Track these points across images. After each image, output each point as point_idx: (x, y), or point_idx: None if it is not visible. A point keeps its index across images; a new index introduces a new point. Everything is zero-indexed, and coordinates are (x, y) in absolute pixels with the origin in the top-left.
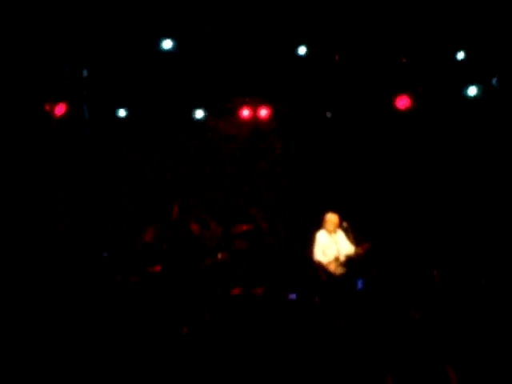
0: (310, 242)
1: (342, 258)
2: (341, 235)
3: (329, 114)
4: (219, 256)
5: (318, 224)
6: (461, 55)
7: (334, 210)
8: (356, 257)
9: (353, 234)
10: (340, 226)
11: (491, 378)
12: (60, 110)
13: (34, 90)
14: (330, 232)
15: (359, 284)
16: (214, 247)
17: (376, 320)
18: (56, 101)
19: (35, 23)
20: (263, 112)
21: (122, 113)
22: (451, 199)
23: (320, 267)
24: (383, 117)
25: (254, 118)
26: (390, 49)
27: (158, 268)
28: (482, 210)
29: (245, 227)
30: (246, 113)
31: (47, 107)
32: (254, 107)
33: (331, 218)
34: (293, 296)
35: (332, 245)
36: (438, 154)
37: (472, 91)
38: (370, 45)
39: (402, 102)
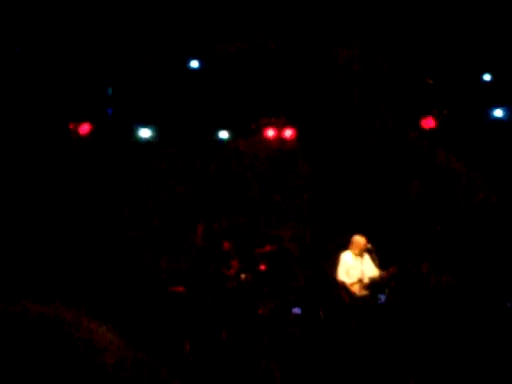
0: (335, 264)
1: (366, 281)
2: (366, 258)
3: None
4: (242, 277)
5: (345, 246)
6: (487, 77)
7: (361, 233)
8: (380, 280)
9: (378, 257)
10: (366, 248)
11: None
12: (84, 129)
13: (58, 109)
14: (356, 254)
15: (382, 298)
16: (237, 269)
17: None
18: (80, 120)
19: (62, 41)
20: (288, 132)
21: (146, 133)
22: (476, 221)
23: (343, 288)
24: (409, 138)
25: (279, 139)
26: (417, 70)
27: (180, 289)
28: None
29: (268, 248)
30: (270, 133)
31: (71, 126)
32: (279, 128)
33: (358, 240)
34: (297, 310)
35: (357, 266)
36: (463, 177)
37: (498, 113)
38: (398, 66)
39: (428, 123)
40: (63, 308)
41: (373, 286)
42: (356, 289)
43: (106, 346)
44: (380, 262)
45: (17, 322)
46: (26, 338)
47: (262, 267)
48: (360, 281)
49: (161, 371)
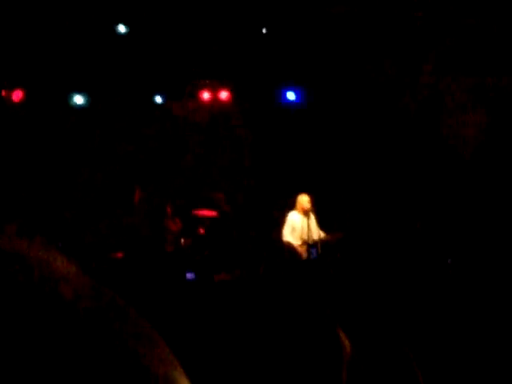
0: (279, 225)
1: (310, 243)
2: (313, 219)
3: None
4: (182, 242)
5: (288, 207)
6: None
7: (306, 192)
8: (324, 243)
9: (317, 218)
10: (310, 208)
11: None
12: (17, 96)
13: None
14: (301, 214)
15: (313, 253)
16: (176, 233)
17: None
18: (13, 87)
19: None
20: (224, 94)
21: (79, 99)
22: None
23: (287, 248)
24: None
25: (215, 101)
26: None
27: (119, 254)
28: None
29: (208, 213)
30: (206, 96)
31: (4, 93)
32: (215, 90)
33: (301, 199)
34: (191, 275)
35: (303, 227)
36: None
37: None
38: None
39: None
40: (17, 238)
41: (314, 246)
42: (302, 250)
43: (63, 275)
44: (321, 223)
45: None
46: None
47: (201, 231)
48: (305, 242)
49: (119, 301)
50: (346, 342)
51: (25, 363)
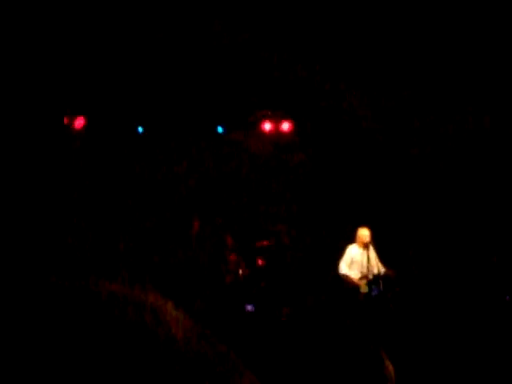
0: (337, 257)
1: (370, 277)
2: (372, 253)
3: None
4: (240, 272)
5: (347, 239)
6: None
7: (366, 225)
8: (384, 277)
9: (377, 251)
10: (370, 241)
11: None
12: (79, 123)
13: (54, 103)
14: (361, 248)
15: (374, 290)
16: (235, 263)
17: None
18: (75, 114)
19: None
20: (285, 126)
21: (141, 129)
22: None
23: (347, 281)
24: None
25: (276, 132)
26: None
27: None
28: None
29: (266, 243)
30: (267, 126)
31: (66, 120)
32: (276, 121)
33: (362, 233)
34: (250, 307)
35: (363, 261)
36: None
37: None
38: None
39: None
40: (128, 283)
41: (376, 282)
42: (362, 283)
43: (173, 319)
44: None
45: (86, 298)
46: (96, 315)
47: (260, 262)
48: (365, 276)
49: (221, 346)
50: (390, 368)
51: None
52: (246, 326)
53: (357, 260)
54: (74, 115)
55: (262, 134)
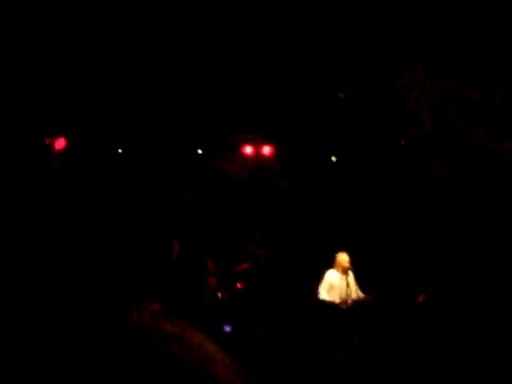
0: (316, 282)
1: (349, 302)
2: (352, 278)
3: (334, 158)
4: (219, 295)
5: (326, 264)
6: None
7: (345, 250)
8: (363, 304)
9: (356, 276)
10: (349, 267)
11: None
12: (60, 144)
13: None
14: (340, 273)
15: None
16: (214, 286)
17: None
18: (55, 135)
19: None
20: (266, 149)
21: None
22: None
23: (326, 305)
24: (389, 158)
25: (257, 156)
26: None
27: (156, 306)
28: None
29: (245, 266)
30: (248, 150)
31: (47, 141)
32: (257, 145)
33: (341, 258)
34: (228, 328)
35: (342, 286)
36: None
37: None
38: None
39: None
40: (167, 318)
41: (355, 308)
42: (343, 307)
43: (214, 356)
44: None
45: (128, 332)
46: (136, 349)
47: (239, 285)
48: (344, 302)
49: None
50: None
51: None
52: (224, 346)
53: (336, 285)
54: (54, 136)
55: (243, 157)
